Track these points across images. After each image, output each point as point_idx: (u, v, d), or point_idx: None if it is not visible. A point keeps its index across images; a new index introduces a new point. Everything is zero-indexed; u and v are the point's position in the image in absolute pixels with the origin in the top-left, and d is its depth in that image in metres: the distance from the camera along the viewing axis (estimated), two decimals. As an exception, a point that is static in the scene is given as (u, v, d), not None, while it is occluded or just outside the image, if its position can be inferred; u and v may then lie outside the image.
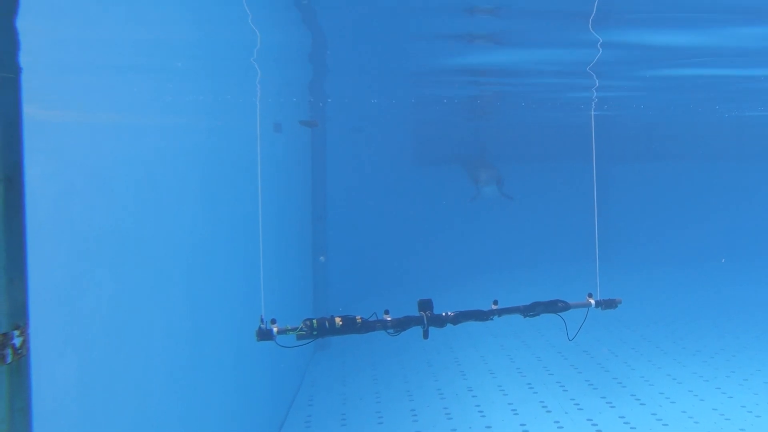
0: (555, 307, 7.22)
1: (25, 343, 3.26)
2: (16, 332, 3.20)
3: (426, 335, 6.66)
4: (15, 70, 3.26)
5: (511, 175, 31.20)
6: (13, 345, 3.18)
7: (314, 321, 6.40)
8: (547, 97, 17.43)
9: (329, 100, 16.91)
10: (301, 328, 6.35)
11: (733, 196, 31.39)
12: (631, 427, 13.55)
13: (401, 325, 6.59)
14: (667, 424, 13.64)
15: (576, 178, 26.78)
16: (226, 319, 10.48)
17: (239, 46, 8.05)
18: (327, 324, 6.37)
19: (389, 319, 6.57)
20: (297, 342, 6.52)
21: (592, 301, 7.44)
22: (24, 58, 3.41)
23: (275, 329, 6.42)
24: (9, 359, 3.15)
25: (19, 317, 3.24)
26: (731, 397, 14.99)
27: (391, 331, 6.59)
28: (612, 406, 14.64)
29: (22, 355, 3.23)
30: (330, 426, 14.09)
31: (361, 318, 6.49)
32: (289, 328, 6.42)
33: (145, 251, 7.82)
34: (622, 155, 30.63)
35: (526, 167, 31.02)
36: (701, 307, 23.57)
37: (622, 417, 14.06)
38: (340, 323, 6.39)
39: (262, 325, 6.47)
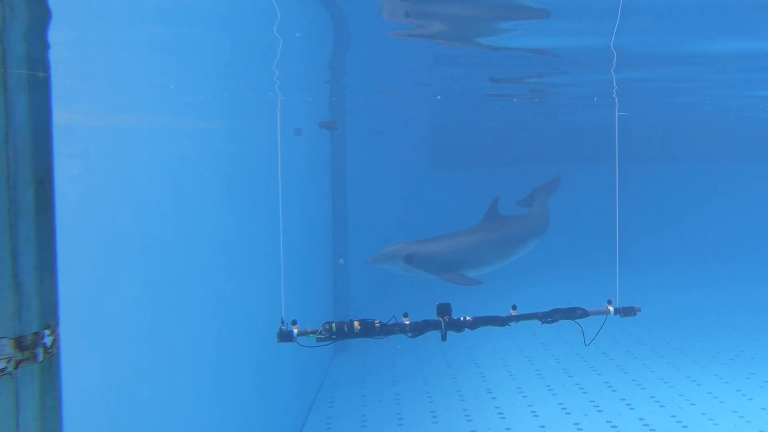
0: (573, 314, 7.20)
1: (56, 342, 3.33)
2: (47, 331, 3.27)
3: (444, 338, 6.70)
4: (45, 70, 3.34)
5: (529, 177, 31.29)
6: (44, 344, 3.25)
7: (333, 324, 6.44)
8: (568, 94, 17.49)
9: (347, 107, 16.98)
10: (321, 331, 6.39)
11: (753, 194, 31.30)
12: (651, 429, 13.55)
13: (419, 329, 6.61)
14: (686, 426, 13.64)
15: (595, 179, 26.81)
16: (248, 320, 10.56)
17: (262, 45, 8.13)
18: (345, 328, 6.41)
19: (408, 322, 6.61)
20: (316, 343, 6.57)
21: (611, 309, 7.43)
22: (52, 61, 3.48)
23: (295, 331, 6.46)
24: (40, 358, 3.23)
25: (50, 317, 3.32)
26: (751, 399, 14.96)
27: (409, 333, 6.63)
28: (631, 408, 14.64)
29: (52, 354, 3.31)
30: (350, 427, 14.15)
31: (379, 322, 6.53)
32: (309, 330, 6.46)
33: (168, 253, 7.90)
34: (639, 155, 30.64)
35: (544, 168, 31.04)
36: (721, 307, 23.50)
37: (642, 419, 14.06)
38: (359, 327, 6.42)
39: (282, 327, 6.52)
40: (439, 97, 17.59)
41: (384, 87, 14.33)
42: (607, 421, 13.98)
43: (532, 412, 14.63)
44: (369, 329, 6.45)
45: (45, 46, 3.35)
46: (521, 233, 14.87)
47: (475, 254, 13.89)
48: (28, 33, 3.23)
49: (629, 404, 14.88)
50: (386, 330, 6.53)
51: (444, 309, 6.73)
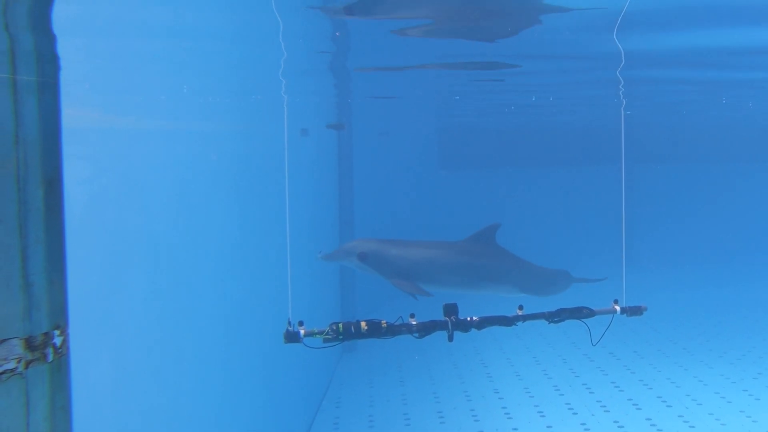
0: (580, 313, 7.19)
1: (65, 342, 3.35)
2: (57, 332, 3.29)
3: (451, 338, 6.69)
4: (54, 75, 3.36)
5: (537, 178, 31.30)
6: (54, 344, 3.27)
7: (340, 325, 6.43)
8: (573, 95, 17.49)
9: (350, 101, 16.96)
10: (327, 331, 6.38)
11: (762, 194, 31.25)
12: (658, 429, 13.55)
13: (426, 329, 6.60)
14: (693, 426, 13.63)
15: (602, 179, 26.78)
16: (256, 321, 10.58)
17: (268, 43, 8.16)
18: (353, 328, 6.40)
19: (414, 323, 6.60)
20: (323, 344, 6.57)
21: (618, 308, 7.42)
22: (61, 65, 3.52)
23: (302, 331, 6.46)
24: (50, 358, 3.25)
25: (60, 317, 3.33)
26: (758, 399, 14.94)
27: (416, 334, 6.63)
28: (638, 408, 14.64)
29: (62, 354, 3.32)
30: (357, 427, 14.16)
31: (386, 322, 6.52)
32: (316, 331, 6.45)
33: (176, 254, 7.93)
34: (646, 155, 30.62)
35: (550, 170, 31.07)
36: (728, 307, 23.48)
37: (649, 419, 14.05)
38: (366, 327, 6.41)
39: (289, 328, 6.51)
40: (457, 98, 17.53)
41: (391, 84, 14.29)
42: (614, 421, 13.98)
43: (539, 412, 14.64)
44: (376, 329, 6.45)
45: (55, 49, 3.37)
46: (498, 273, 13.12)
47: (431, 269, 12.87)
48: (37, 37, 3.25)
49: (636, 404, 14.88)
50: (393, 330, 6.52)
51: (451, 309, 6.73)
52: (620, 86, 14.40)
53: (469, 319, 6.73)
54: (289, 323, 6.53)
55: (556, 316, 7.13)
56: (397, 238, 13.17)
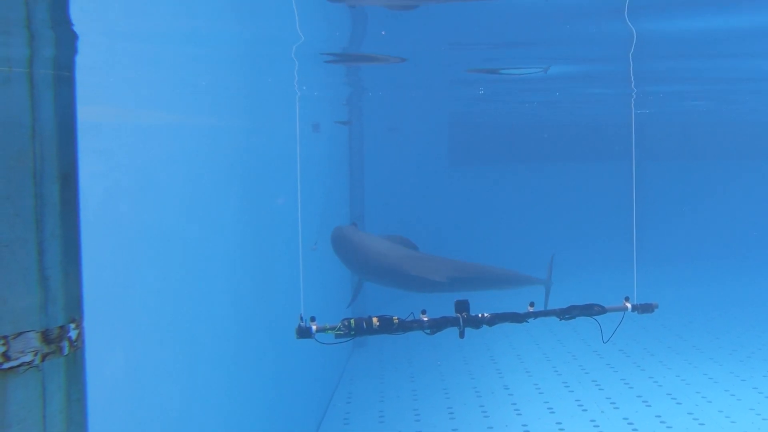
0: (591, 310, 7.21)
1: (80, 335, 3.38)
2: (72, 325, 3.31)
3: (462, 335, 6.71)
4: (70, 68, 3.38)
5: (543, 174, 31.25)
6: (70, 337, 3.29)
7: (352, 321, 6.46)
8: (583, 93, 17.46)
9: (369, 94, 16.95)
10: (339, 327, 6.41)
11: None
12: (668, 426, 13.54)
13: (437, 325, 6.62)
14: (703, 424, 13.62)
15: (612, 175, 26.74)
16: (268, 316, 10.61)
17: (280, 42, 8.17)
18: (364, 324, 6.42)
19: (426, 319, 6.62)
20: (335, 340, 6.59)
21: (629, 305, 7.43)
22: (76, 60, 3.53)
23: (314, 327, 6.49)
24: (66, 351, 3.27)
25: (75, 311, 3.36)
26: (768, 397, 14.95)
27: (427, 330, 6.65)
28: (648, 405, 14.63)
29: (77, 347, 3.35)
30: (368, 422, 14.19)
31: (397, 318, 6.54)
32: (328, 326, 6.48)
33: (189, 249, 7.96)
34: (656, 152, 30.58)
35: (558, 166, 31.02)
36: (738, 305, 23.43)
37: (659, 416, 14.05)
38: (377, 323, 6.44)
39: (301, 323, 6.54)
40: (482, 91, 17.50)
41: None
42: (624, 418, 13.97)
43: (548, 408, 14.64)
44: (388, 325, 6.47)
45: (71, 44, 3.40)
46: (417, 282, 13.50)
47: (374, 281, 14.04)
48: (54, 32, 3.28)
49: (646, 401, 14.87)
50: (405, 326, 6.55)
51: (462, 306, 6.75)
52: (631, 73, 14.34)
53: (480, 315, 6.76)
54: (301, 319, 6.56)
55: (567, 313, 7.16)
56: (373, 234, 13.65)
